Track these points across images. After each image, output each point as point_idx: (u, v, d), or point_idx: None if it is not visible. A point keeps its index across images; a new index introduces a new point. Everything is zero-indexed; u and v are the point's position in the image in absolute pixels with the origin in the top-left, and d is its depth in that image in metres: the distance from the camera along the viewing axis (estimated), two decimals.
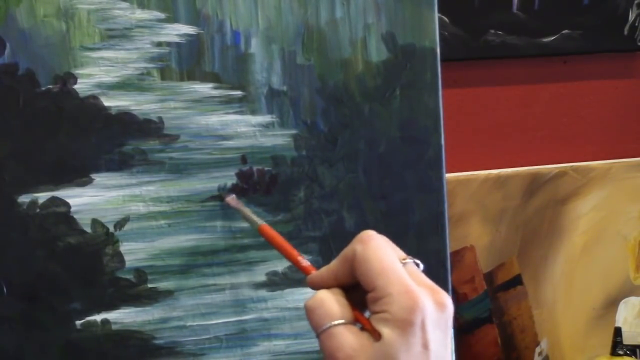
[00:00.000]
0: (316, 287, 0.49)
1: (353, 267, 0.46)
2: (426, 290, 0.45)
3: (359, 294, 0.47)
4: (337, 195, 0.63)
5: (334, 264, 0.48)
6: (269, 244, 0.57)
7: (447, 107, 0.66)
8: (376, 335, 0.44)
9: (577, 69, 1.07)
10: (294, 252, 0.54)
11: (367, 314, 0.47)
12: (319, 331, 0.45)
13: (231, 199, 0.60)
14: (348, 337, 0.45)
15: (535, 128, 1.07)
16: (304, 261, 0.52)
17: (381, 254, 0.46)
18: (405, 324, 0.43)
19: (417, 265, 0.48)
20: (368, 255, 0.46)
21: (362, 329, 0.46)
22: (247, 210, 0.59)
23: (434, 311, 0.44)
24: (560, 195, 1.05)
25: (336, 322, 0.45)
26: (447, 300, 0.46)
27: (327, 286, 0.48)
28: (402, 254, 0.48)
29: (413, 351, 0.43)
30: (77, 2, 0.57)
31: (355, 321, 0.46)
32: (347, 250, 0.47)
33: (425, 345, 0.44)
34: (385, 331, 0.44)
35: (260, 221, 0.58)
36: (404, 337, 0.43)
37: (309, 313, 0.46)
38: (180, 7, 0.59)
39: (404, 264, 0.47)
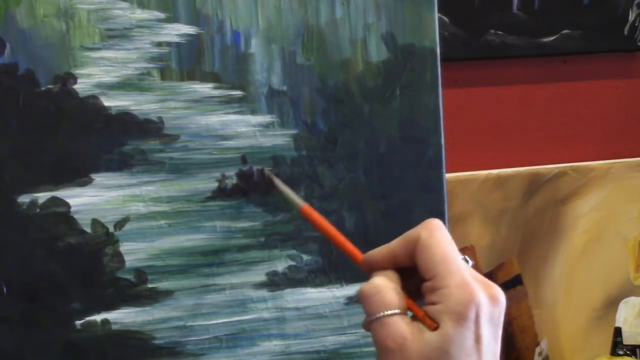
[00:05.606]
0: (371, 265, 0.48)
1: (414, 252, 0.46)
2: (481, 284, 0.45)
3: (410, 277, 0.47)
4: (337, 195, 0.63)
5: (394, 244, 0.48)
6: (314, 227, 0.55)
7: (447, 107, 0.66)
8: (431, 324, 0.44)
9: (577, 69, 1.07)
10: (341, 236, 0.53)
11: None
12: (372, 319, 0.46)
13: (275, 177, 0.60)
14: (401, 327, 0.45)
15: (535, 128, 1.07)
16: (352, 246, 0.52)
17: (445, 244, 0.46)
18: (461, 317, 0.44)
19: (467, 261, 0.48)
20: (432, 243, 0.46)
21: (414, 318, 0.46)
22: (290, 191, 0.59)
23: (488, 306, 0.45)
24: (560, 195, 1.05)
25: (390, 311, 0.45)
26: (501, 295, 0.46)
27: (383, 266, 0.48)
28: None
29: (465, 344, 0.44)
30: (77, 2, 0.57)
31: (408, 310, 0.46)
32: (410, 234, 0.47)
33: (478, 340, 0.44)
34: (441, 323, 0.44)
35: (302, 202, 0.57)
36: (458, 330, 0.44)
37: (363, 299, 0.46)
38: (180, 7, 0.59)
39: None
